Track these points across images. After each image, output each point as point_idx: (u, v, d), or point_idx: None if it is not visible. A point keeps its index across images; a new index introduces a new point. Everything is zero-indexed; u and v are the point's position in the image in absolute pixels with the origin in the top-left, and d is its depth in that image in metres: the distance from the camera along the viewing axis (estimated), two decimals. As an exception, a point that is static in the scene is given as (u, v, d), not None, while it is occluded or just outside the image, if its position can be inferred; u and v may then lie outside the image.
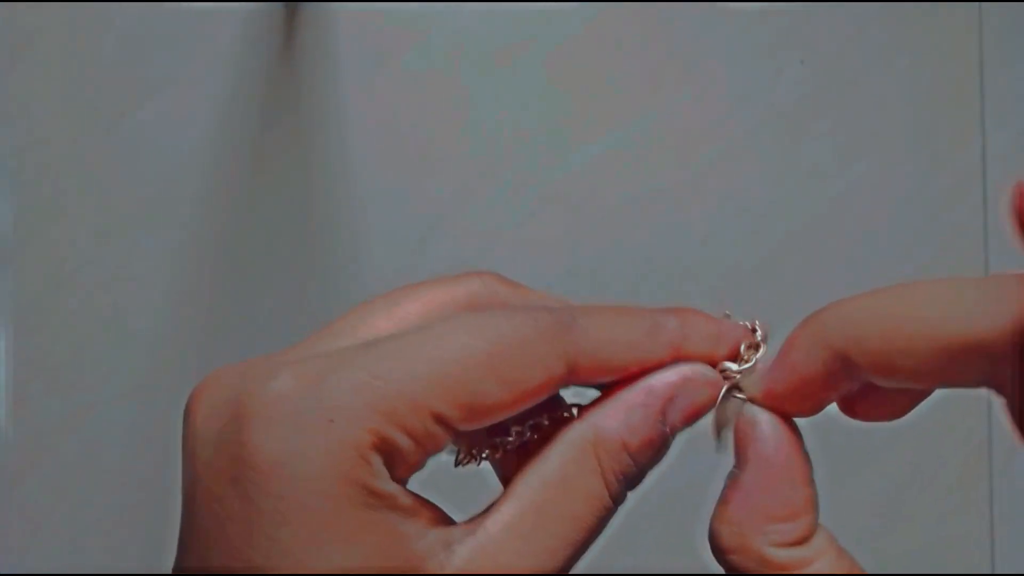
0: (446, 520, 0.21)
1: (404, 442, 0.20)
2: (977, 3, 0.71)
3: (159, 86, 0.60)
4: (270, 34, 0.61)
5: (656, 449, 0.22)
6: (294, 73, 0.62)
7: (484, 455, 0.24)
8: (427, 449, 0.20)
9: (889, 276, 0.70)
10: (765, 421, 0.23)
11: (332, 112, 0.62)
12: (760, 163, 0.68)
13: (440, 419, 0.20)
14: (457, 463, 0.25)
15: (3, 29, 0.58)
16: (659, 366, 0.23)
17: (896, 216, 0.70)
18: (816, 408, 0.23)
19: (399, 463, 0.20)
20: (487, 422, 0.21)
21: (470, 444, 0.24)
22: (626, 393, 0.22)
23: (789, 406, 0.23)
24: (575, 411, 0.23)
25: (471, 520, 0.21)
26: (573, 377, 0.22)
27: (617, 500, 0.22)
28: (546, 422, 0.24)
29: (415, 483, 0.21)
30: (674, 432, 0.23)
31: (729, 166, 0.67)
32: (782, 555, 0.21)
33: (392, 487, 0.20)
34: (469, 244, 0.63)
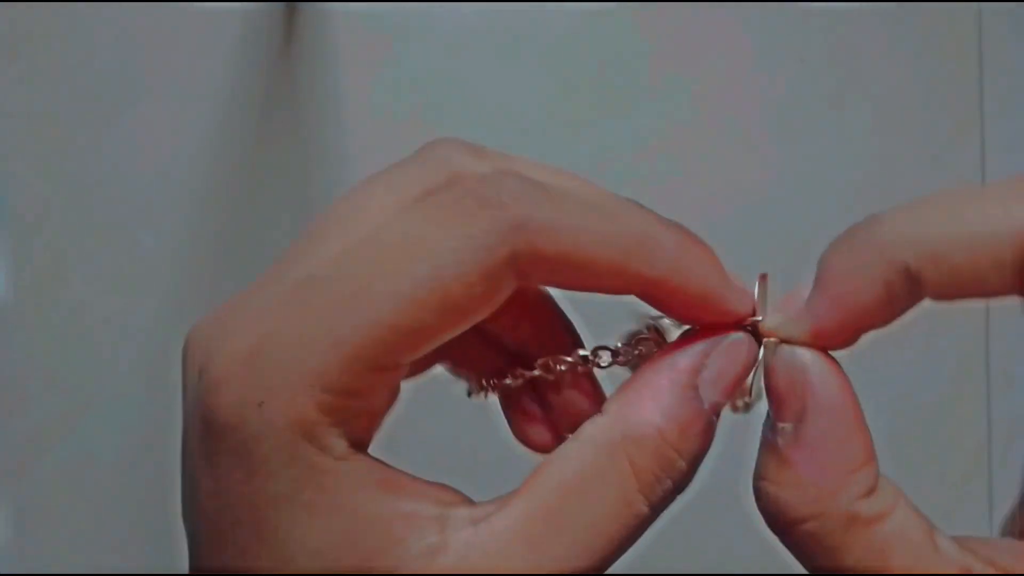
0: (453, 500, 0.19)
1: (351, 401, 0.18)
2: (976, 3, 0.71)
3: (158, 85, 0.60)
4: (269, 33, 0.61)
5: (700, 434, 0.19)
6: (293, 73, 0.61)
7: (492, 384, 0.23)
8: (379, 397, 0.19)
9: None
10: (817, 363, 0.19)
11: (331, 112, 0.62)
12: (759, 162, 0.68)
13: (376, 366, 0.18)
14: (469, 394, 0.24)
15: (1, 28, 0.58)
16: (645, 285, 0.19)
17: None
18: (852, 340, 0.20)
19: (357, 422, 0.19)
20: (433, 346, 0.19)
21: (477, 373, 0.23)
22: (647, 375, 0.20)
23: (833, 342, 0.20)
24: (586, 355, 0.21)
25: (484, 505, 0.19)
26: (523, 278, 0.19)
27: (658, 505, 0.19)
28: (560, 367, 0.22)
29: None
30: (716, 411, 0.20)
31: (728, 166, 0.67)
32: (867, 508, 0.18)
33: (358, 463, 0.19)
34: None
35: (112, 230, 0.59)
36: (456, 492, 0.20)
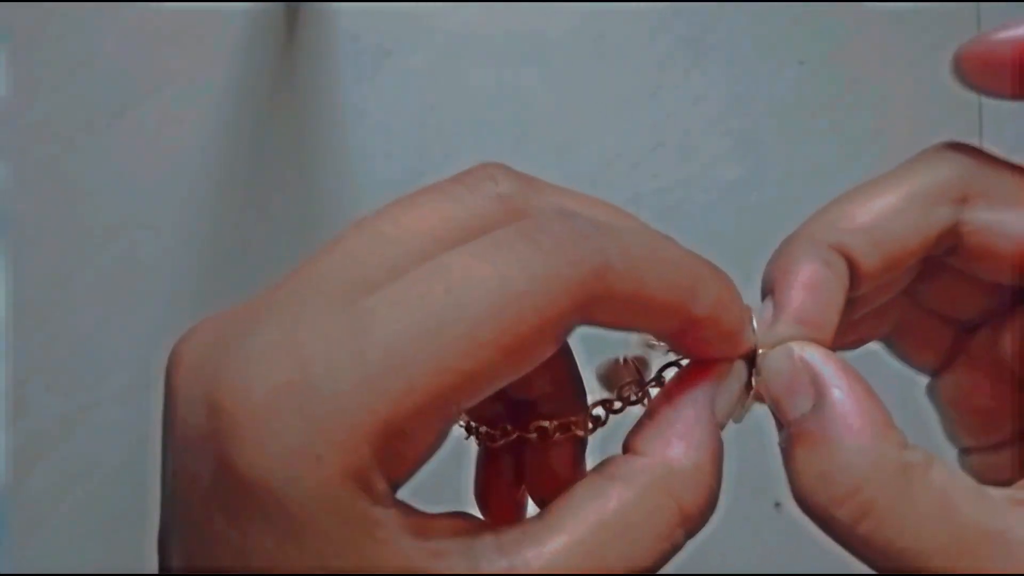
0: (469, 528, 0.18)
1: (403, 446, 0.17)
2: (975, 3, 0.71)
3: (160, 85, 0.60)
4: (271, 33, 0.61)
5: (721, 456, 0.19)
6: (294, 72, 0.61)
7: (477, 433, 0.23)
8: (432, 444, 0.18)
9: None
10: (809, 346, 0.20)
11: (332, 111, 0.62)
12: (759, 164, 0.68)
13: (443, 414, 0.17)
14: (468, 437, 0.23)
15: (5, 28, 0.58)
16: (691, 324, 0.19)
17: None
18: (828, 327, 0.21)
19: (402, 464, 0.17)
20: (490, 391, 0.18)
21: (468, 412, 0.23)
22: (672, 412, 0.20)
23: (816, 331, 0.21)
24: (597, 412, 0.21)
25: (506, 532, 0.18)
26: (586, 318, 0.18)
27: (691, 535, 0.19)
28: (558, 433, 0.22)
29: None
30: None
31: (729, 167, 0.67)
32: (916, 457, 0.18)
33: (397, 509, 0.17)
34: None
35: (111, 231, 0.59)
36: (470, 517, 0.19)
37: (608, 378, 0.23)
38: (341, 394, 0.16)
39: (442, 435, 0.18)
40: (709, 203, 0.66)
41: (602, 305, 0.18)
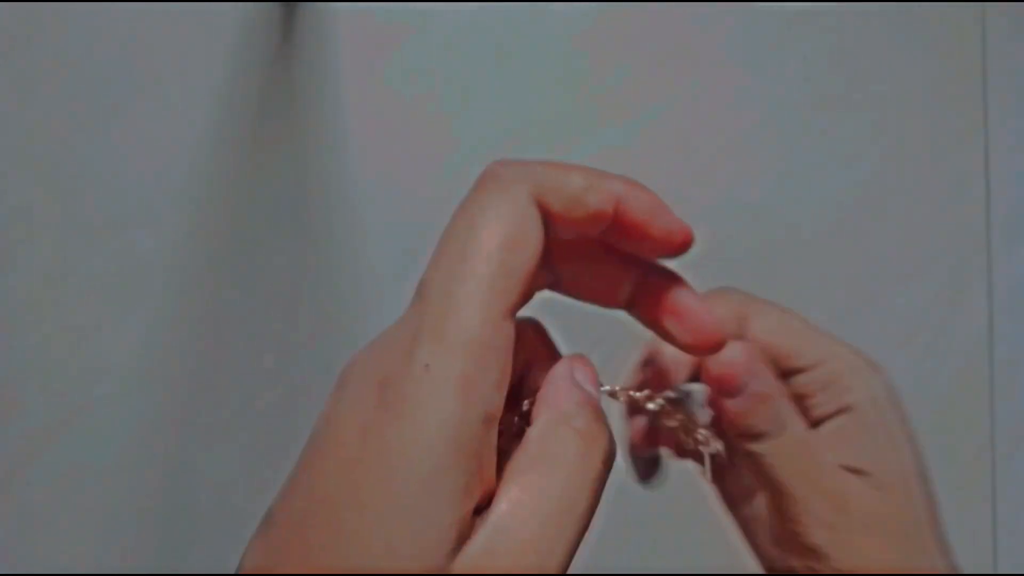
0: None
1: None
2: (980, 3, 0.71)
3: (155, 85, 0.60)
4: (267, 33, 0.61)
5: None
6: (291, 73, 0.61)
7: None
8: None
9: (891, 273, 0.70)
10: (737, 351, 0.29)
11: (329, 112, 0.62)
12: (762, 162, 0.68)
13: (509, 308, 0.23)
14: None
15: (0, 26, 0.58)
16: (604, 215, 0.25)
17: (898, 213, 0.70)
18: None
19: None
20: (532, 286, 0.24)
21: None
22: (553, 387, 0.25)
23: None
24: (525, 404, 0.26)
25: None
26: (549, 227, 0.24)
27: (607, 465, 0.24)
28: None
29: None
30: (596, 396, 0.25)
31: (731, 164, 0.67)
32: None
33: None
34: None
35: (108, 231, 0.59)
36: None
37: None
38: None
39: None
40: (711, 202, 0.66)
41: (554, 214, 0.24)
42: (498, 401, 0.22)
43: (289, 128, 0.61)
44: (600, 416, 0.24)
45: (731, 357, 0.29)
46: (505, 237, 0.23)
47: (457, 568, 0.20)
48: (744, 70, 0.68)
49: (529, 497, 0.22)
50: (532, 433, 0.23)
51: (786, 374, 0.31)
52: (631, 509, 0.71)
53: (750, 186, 0.67)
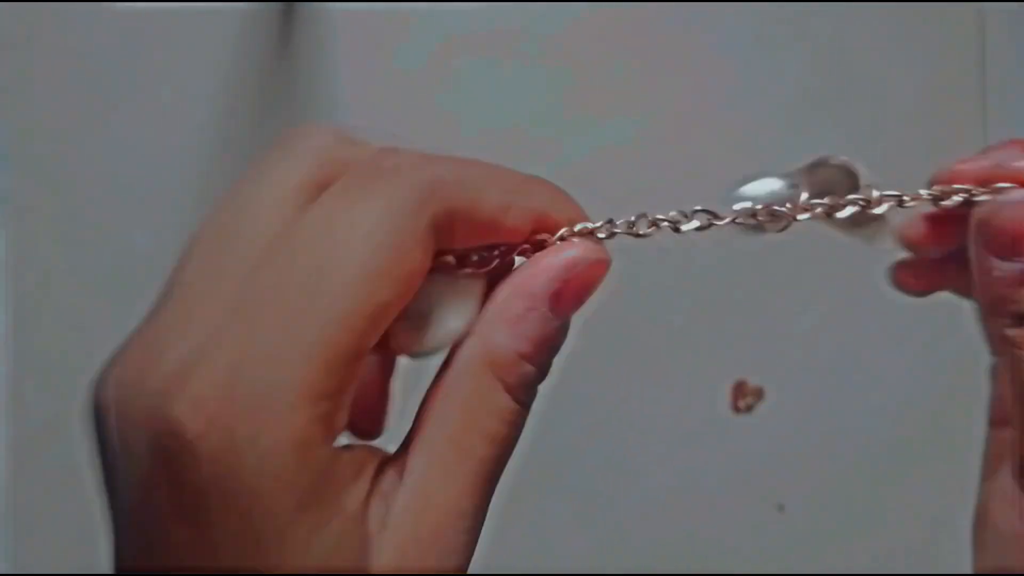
0: (374, 460, 0.21)
1: (336, 400, 0.19)
2: (978, 3, 0.71)
3: (154, 85, 0.60)
4: (267, 33, 0.61)
5: (553, 342, 0.22)
6: (291, 72, 0.61)
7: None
8: (352, 382, 0.20)
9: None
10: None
11: (329, 111, 0.62)
12: (760, 162, 0.68)
13: (354, 358, 0.19)
14: None
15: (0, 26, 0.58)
16: (520, 233, 0.22)
17: (898, 213, 0.69)
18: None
19: (339, 417, 0.20)
20: (390, 320, 0.20)
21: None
22: (508, 302, 0.22)
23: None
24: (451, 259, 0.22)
25: (395, 459, 0.21)
26: (441, 236, 0.21)
27: (527, 403, 0.22)
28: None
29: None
30: (570, 315, 0.22)
31: (729, 163, 0.67)
32: None
33: (345, 455, 0.20)
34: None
35: (107, 230, 0.59)
36: (367, 447, 0.21)
37: (819, 184, 0.25)
38: (265, 379, 0.18)
39: (357, 377, 0.20)
40: (708, 200, 0.66)
41: (449, 220, 0.20)
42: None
43: (288, 127, 0.61)
44: (538, 364, 0.22)
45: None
46: (370, 264, 0.19)
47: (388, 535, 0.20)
48: (740, 69, 0.68)
49: (452, 457, 0.20)
50: (456, 368, 0.21)
51: None
52: (631, 508, 0.71)
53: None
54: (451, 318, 0.22)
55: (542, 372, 0.22)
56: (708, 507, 0.66)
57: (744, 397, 0.62)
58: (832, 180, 0.24)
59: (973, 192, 0.24)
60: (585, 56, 0.66)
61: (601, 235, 0.23)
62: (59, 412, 0.59)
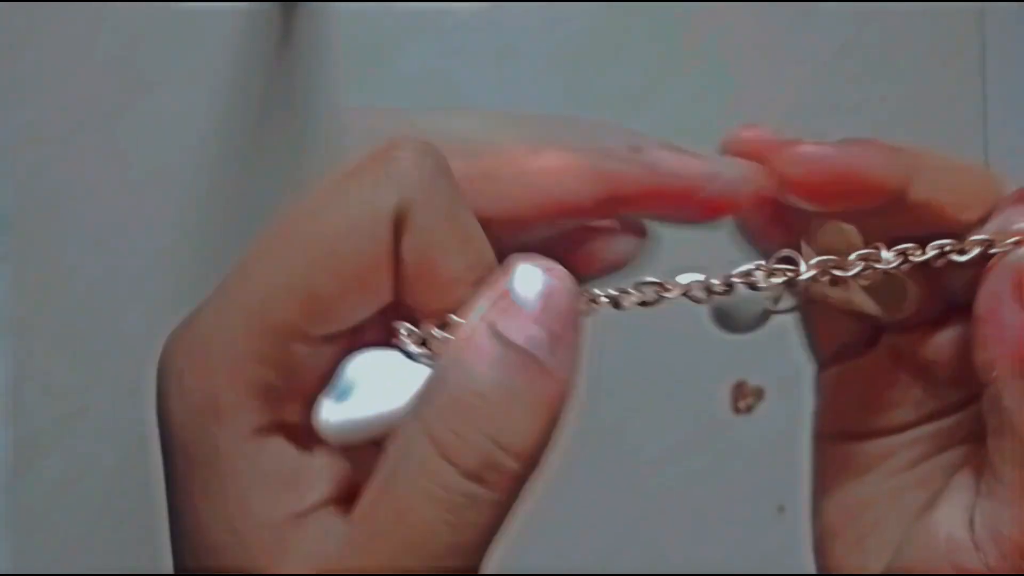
0: (325, 481, 0.20)
1: (277, 380, 0.19)
2: (979, 3, 0.71)
3: (154, 85, 0.59)
4: (267, 33, 0.61)
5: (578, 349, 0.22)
6: (291, 73, 0.61)
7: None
8: (304, 376, 0.20)
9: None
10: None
11: (329, 112, 0.62)
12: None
13: (292, 335, 0.19)
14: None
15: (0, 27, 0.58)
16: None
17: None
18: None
19: (288, 405, 0.20)
20: (342, 317, 0.20)
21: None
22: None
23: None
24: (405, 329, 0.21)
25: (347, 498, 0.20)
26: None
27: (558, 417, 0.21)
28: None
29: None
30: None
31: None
32: None
33: (264, 446, 0.19)
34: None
35: (107, 231, 0.59)
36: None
37: (828, 246, 0.24)
38: (203, 342, 0.20)
39: (317, 371, 0.20)
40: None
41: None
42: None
43: (288, 128, 0.61)
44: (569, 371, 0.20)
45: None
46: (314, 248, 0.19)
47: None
48: (740, 70, 0.68)
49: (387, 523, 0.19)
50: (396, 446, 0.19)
51: None
52: (631, 509, 0.71)
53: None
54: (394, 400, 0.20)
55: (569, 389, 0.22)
56: (708, 507, 0.66)
57: (744, 397, 0.62)
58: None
59: (994, 241, 0.23)
60: (586, 57, 0.66)
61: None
62: (60, 413, 0.59)
